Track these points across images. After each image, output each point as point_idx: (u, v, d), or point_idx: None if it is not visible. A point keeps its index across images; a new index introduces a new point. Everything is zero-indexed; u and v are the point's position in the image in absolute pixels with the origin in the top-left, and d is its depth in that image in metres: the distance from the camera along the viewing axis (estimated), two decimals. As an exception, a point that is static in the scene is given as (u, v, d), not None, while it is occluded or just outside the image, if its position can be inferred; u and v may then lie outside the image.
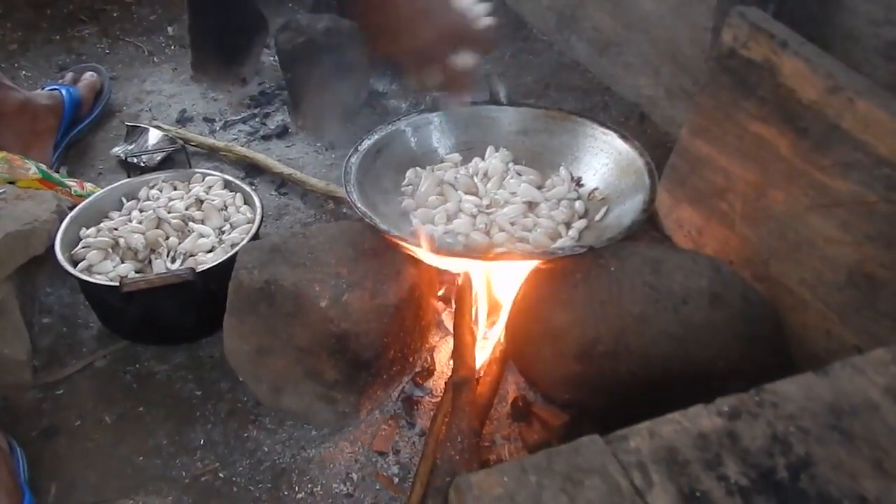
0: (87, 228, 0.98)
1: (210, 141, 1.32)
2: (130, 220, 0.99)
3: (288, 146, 1.35)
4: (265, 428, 0.88)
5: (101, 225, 0.99)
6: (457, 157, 0.98)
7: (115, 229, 0.97)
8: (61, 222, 0.97)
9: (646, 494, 0.40)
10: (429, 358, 0.95)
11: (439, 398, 0.90)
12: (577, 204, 0.90)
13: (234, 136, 1.38)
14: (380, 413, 0.89)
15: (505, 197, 0.90)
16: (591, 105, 1.40)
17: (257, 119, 1.42)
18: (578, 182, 0.94)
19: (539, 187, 0.93)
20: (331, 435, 0.87)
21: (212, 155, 1.31)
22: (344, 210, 1.20)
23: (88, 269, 0.92)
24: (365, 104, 1.41)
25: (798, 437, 0.43)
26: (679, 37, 1.25)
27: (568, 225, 0.87)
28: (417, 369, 0.93)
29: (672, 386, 0.79)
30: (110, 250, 0.95)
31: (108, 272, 0.92)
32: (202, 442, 0.87)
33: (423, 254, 0.82)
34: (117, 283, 0.86)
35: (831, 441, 0.43)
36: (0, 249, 0.88)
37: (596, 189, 0.93)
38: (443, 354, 0.96)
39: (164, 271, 0.90)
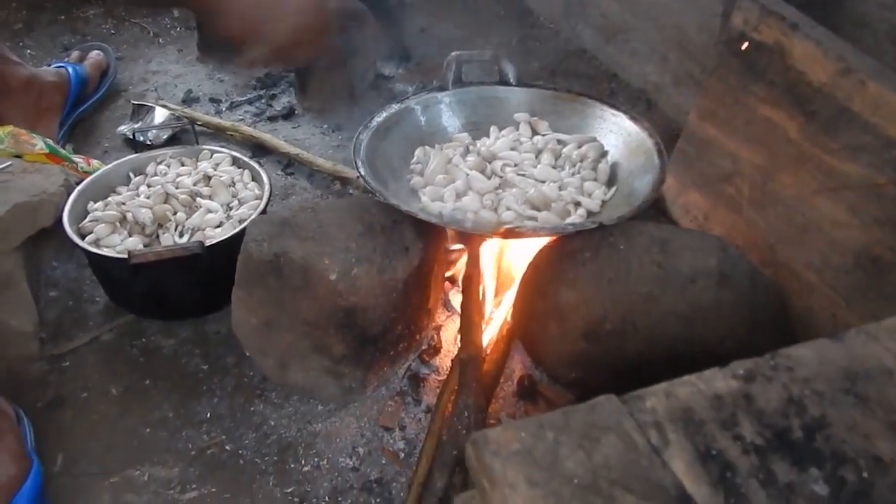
0: (95, 202, 0.98)
1: (216, 120, 1.32)
2: (138, 195, 0.99)
3: (294, 127, 1.35)
4: (271, 402, 0.89)
5: (109, 199, 0.99)
6: (465, 136, 0.98)
7: (123, 203, 0.97)
8: (69, 196, 0.97)
9: (662, 452, 0.40)
10: (435, 336, 0.95)
11: (445, 376, 0.90)
12: (588, 184, 0.90)
13: (241, 117, 1.38)
14: (386, 389, 0.89)
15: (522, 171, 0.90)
16: (597, 92, 1.40)
17: (263, 100, 1.42)
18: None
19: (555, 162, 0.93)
20: (337, 410, 0.87)
21: (218, 135, 1.31)
22: (350, 191, 1.20)
23: (96, 243, 0.92)
24: (371, 87, 1.41)
25: (813, 399, 0.44)
26: (687, 23, 1.25)
27: (577, 204, 0.87)
28: (424, 347, 0.93)
29: (678, 366, 0.79)
30: (118, 224, 0.95)
31: (116, 246, 0.92)
32: (208, 415, 0.87)
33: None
34: (126, 256, 0.86)
35: (846, 404, 0.43)
36: (7, 220, 0.88)
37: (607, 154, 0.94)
38: (449, 333, 0.96)
39: (173, 244, 0.90)
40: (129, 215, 0.95)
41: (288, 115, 1.38)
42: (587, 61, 1.50)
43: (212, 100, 1.42)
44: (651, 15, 1.33)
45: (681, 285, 0.79)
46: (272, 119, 1.37)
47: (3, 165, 0.97)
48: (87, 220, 0.95)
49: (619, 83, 1.42)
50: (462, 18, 1.66)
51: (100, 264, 0.93)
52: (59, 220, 0.94)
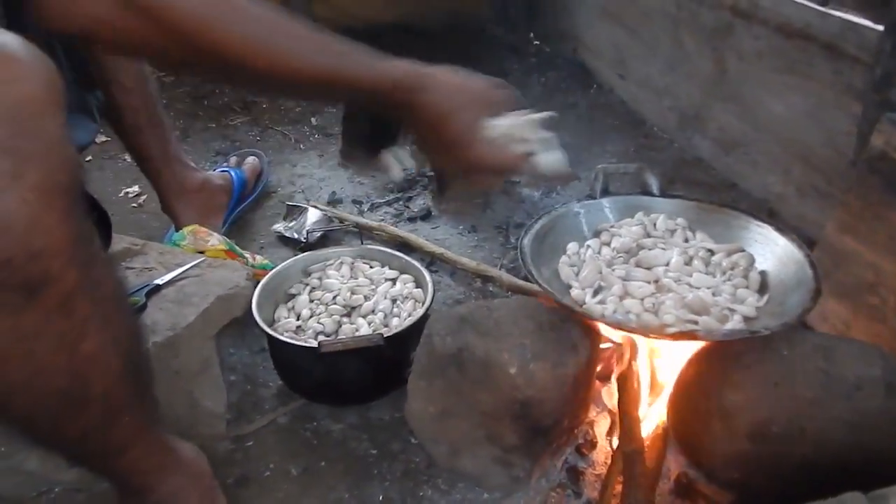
0: (277, 300, 1.09)
1: (364, 220, 1.44)
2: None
3: (433, 228, 1.46)
4: (439, 488, 0.94)
5: (291, 304, 1.10)
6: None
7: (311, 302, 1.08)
8: (254, 289, 1.07)
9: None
10: (590, 430, 0.99)
11: (602, 471, 0.94)
12: (741, 291, 0.95)
13: (381, 218, 1.50)
14: (546, 481, 0.93)
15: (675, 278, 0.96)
16: (718, 201, 1.47)
17: (401, 202, 1.54)
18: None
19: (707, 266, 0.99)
20: (502, 499, 0.92)
21: (365, 233, 1.43)
22: (490, 288, 1.28)
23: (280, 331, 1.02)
24: (500, 190, 1.52)
25: None
26: (812, 139, 1.32)
27: (731, 310, 0.92)
28: (580, 440, 0.98)
29: (844, 473, 0.81)
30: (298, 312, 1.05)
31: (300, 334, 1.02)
32: (381, 498, 0.93)
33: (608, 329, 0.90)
34: (315, 345, 0.95)
35: None
36: (212, 310, 0.99)
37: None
38: (601, 427, 1.00)
39: (356, 335, 0.99)
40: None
41: (425, 216, 1.49)
42: (704, 170, 1.58)
43: (354, 201, 1.55)
44: (772, 129, 1.41)
45: (846, 392, 0.82)
46: (411, 220, 1.48)
47: (198, 260, 1.09)
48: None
49: (739, 193, 1.49)
50: (577, 127, 1.78)
51: (286, 352, 1.02)
52: (249, 310, 1.04)
